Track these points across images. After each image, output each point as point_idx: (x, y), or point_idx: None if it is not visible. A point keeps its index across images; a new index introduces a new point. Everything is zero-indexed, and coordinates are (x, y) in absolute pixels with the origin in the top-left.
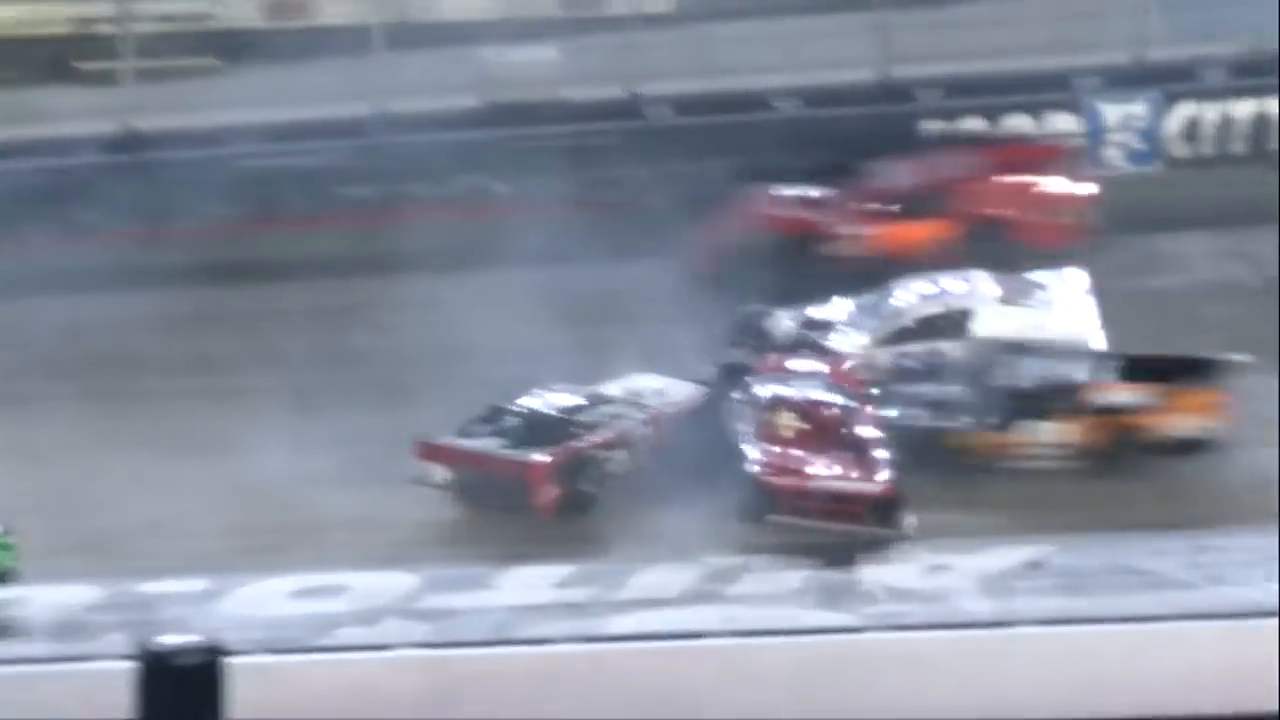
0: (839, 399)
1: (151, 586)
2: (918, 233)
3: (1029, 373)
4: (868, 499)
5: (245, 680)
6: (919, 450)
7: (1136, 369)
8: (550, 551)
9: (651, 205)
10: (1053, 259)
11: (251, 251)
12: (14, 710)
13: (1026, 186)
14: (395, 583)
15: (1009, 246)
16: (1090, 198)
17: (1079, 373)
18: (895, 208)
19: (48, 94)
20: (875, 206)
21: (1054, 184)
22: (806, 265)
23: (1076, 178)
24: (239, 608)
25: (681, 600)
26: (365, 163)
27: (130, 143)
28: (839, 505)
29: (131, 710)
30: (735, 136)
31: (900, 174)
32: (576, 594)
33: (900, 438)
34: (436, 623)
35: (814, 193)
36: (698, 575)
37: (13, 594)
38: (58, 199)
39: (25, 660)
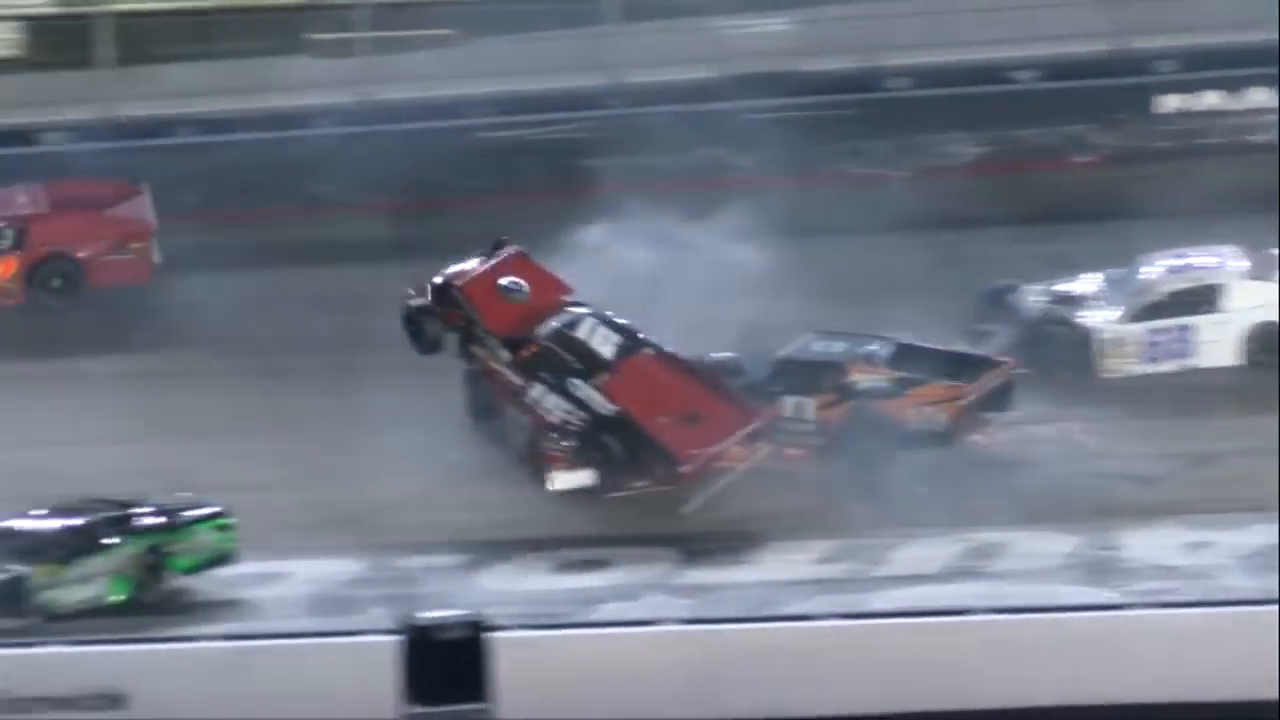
0: None
1: (413, 561)
2: None
3: None
4: None
5: (507, 655)
6: None
7: None
8: None
9: (890, 178)
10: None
11: (489, 224)
12: (279, 683)
13: (93, 222)
14: (656, 558)
15: (75, 282)
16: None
17: None
18: None
19: (283, 65)
20: None
21: (119, 219)
22: None
23: (140, 214)
24: (500, 582)
25: (943, 576)
26: (602, 135)
27: (367, 114)
28: None
29: (395, 684)
30: (974, 109)
31: None
32: (837, 569)
33: None
34: (698, 598)
35: None
36: (959, 551)
37: (233, 573)
38: (297, 171)
39: (290, 635)
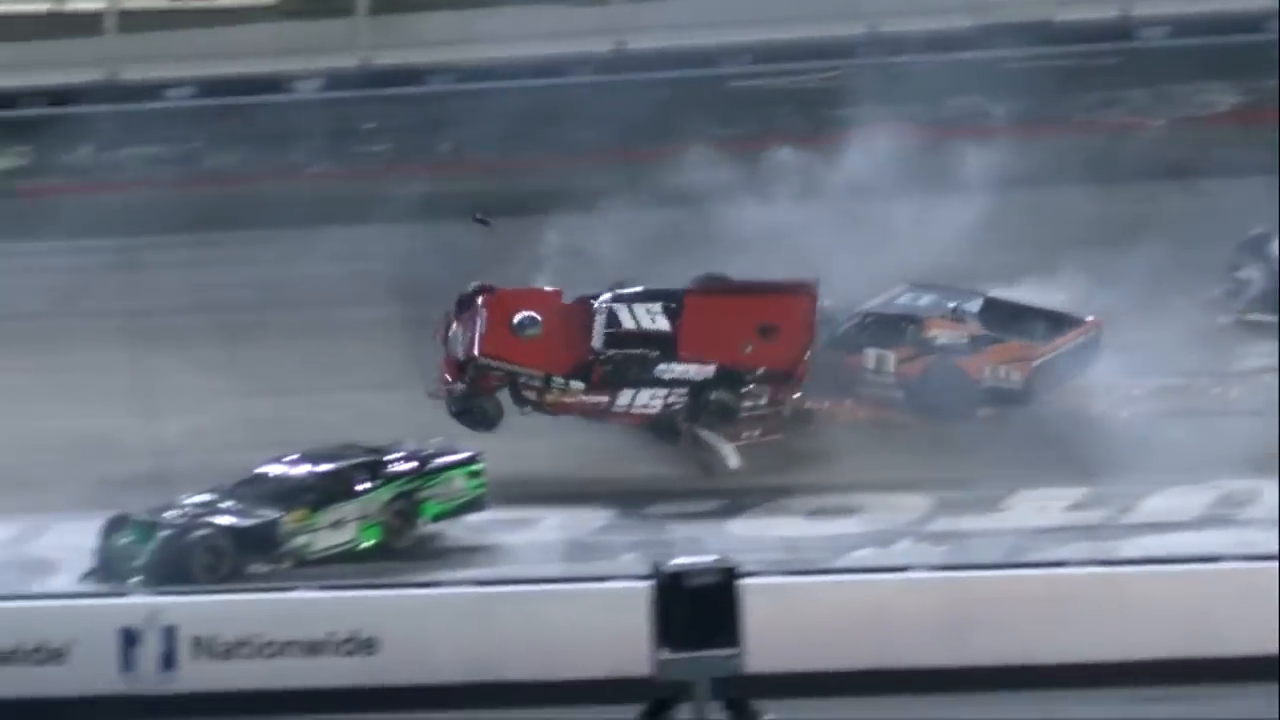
0: None
1: (663, 508)
2: None
3: None
4: None
5: (758, 601)
6: None
7: None
8: None
9: (1147, 125)
10: None
11: (738, 170)
12: (529, 629)
13: None
14: (909, 505)
15: None
16: None
17: None
18: None
19: (535, 13)
20: None
21: None
22: None
23: None
24: (751, 529)
25: (1195, 524)
26: (857, 84)
27: (621, 63)
28: None
29: (647, 629)
30: (1229, 59)
31: None
32: (1088, 516)
33: None
34: (950, 545)
35: None
36: (1210, 499)
37: (484, 519)
38: (552, 119)
39: (540, 580)
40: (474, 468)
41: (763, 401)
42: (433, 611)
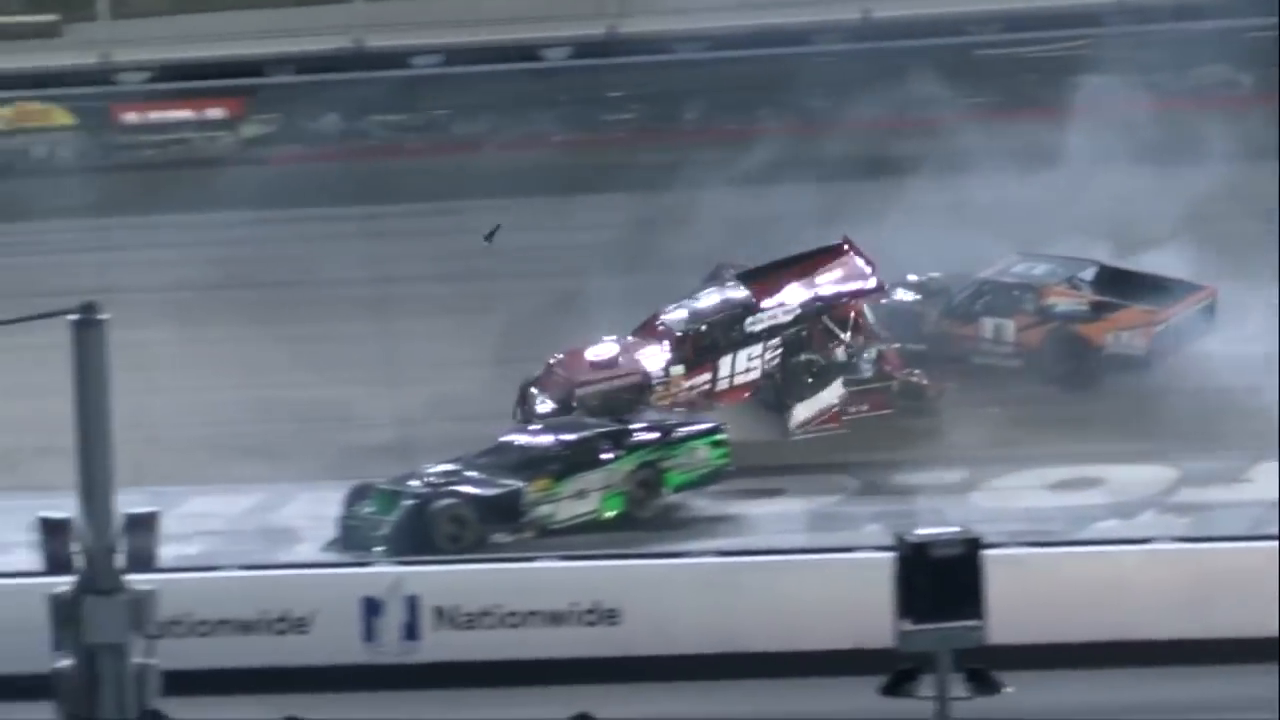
0: None
1: (907, 478)
2: None
3: None
4: None
5: (1001, 572)
6: None
7: None
8: None
9: None
10: None
11: (982, 141)
12: (774, 597)
13: None
14: (1152, 476)
15: None
16: None
17: None
18: None
19: None
20: None
21: None
22: None
23: None
24: (995, 500)
25: None
26: (1105, 53)
27: (868, 30)
28: None
29: (889, 601)
30: None
31: None
32: None
33: None
34: (1194, 516)
35: None
36: None
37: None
38: (793, 88)
39: (786, 551)
40: (717, 437)
41: (868, 374)
42: (675, 582)
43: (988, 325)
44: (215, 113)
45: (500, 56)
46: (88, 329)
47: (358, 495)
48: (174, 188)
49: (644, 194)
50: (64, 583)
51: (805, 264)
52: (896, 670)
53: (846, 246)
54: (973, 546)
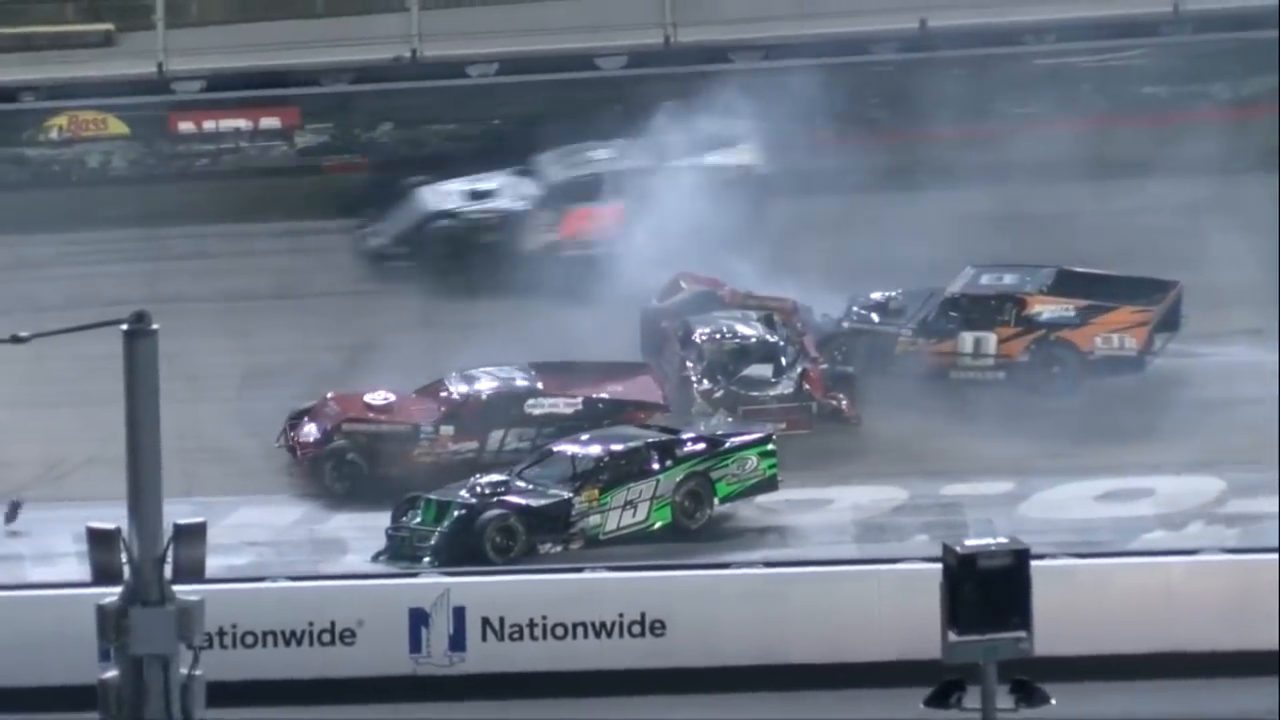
0: None
1: (955, 489)
2: None
3: None
4: None
5: (1049, 583)
6: None
7: None
8: None
9: None
10: None
11: (1039, 151)
12: (821, 609)
13: None
14: (1202, 487)
15: None
16: None
17: None
18: None
19: None
20: None
21: None
22: None
23: None
24: (1043, 511)
25: None
26: (1162, 63)
27: (925, 41)
28: None
29: (937, 612)
30: None
31: None
32: None
33: None
34: (1243, 527)
35: None
36: None
37: (780, 499)
38: (848, 97)
39: (833, 562)
40: (767, 447)
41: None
42: (721, 593)
43: (967, 340)
44: (270, 122)
45: (553, 66)
46: (139, 339)
47: (407, 506)
48: (228, 197)
49: None
50: (111, 593)
51: (602, 372)
52: (942, 681)
53: (648, 367)
54: (1021, 557)
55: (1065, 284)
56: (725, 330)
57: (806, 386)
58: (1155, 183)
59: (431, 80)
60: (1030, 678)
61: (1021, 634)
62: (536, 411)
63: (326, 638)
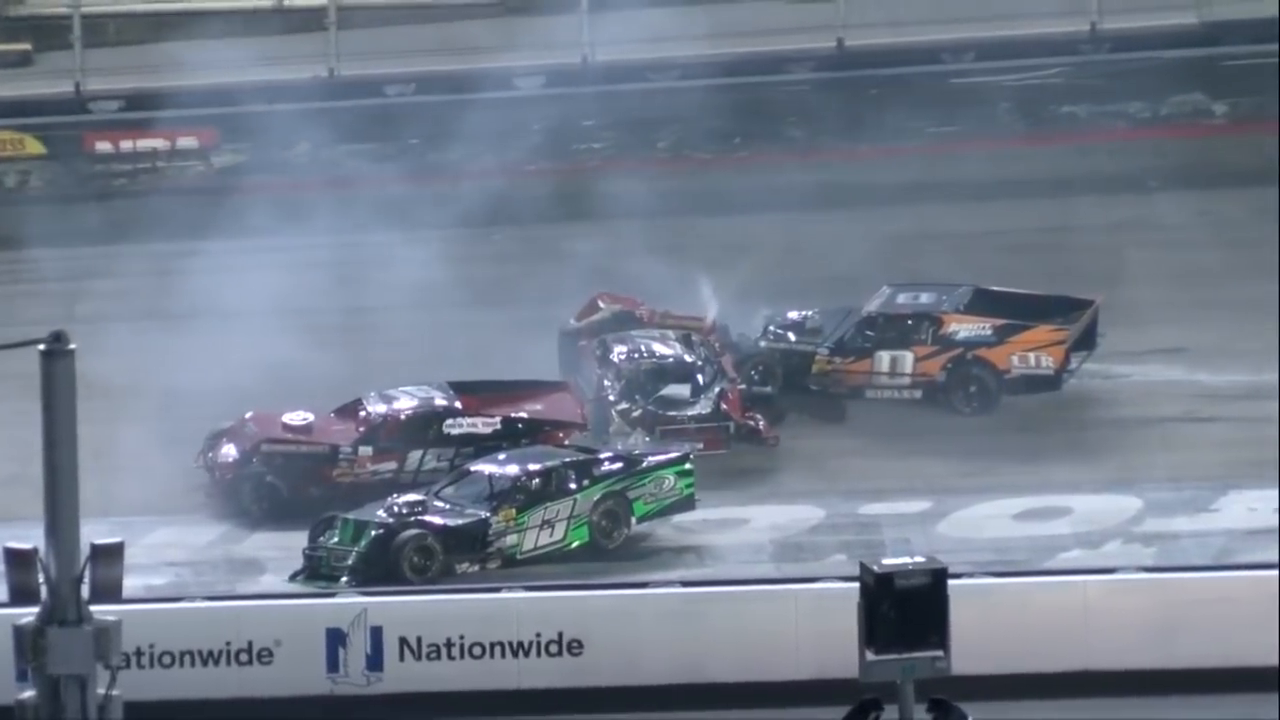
0: None
1: (872, 508)
2: None
3: None
4: None
5: (966, 602)
6: None
7: None
8: None
9: None
10: None
11: (963, 170)
12: (739, 628)
13: None
14: (1119, 505)
15: None
16: None
17: None
18: None
19: (759, 9)
20: None
21: None
22: None
23: None
24: (961, 529)
25: None
26: (1080, 81)
27: (843, 59)
28: None
29: (854, 631)
30: None
31: None
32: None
33: None
34: (1159, 546)
35: None
36: None
37: (697, 518)
38: (769, 116)
39: (751, 581)
40: (684, 467)
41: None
42: (639, 613)
43: (883, 359)
44: (188, 142)
45: (473, 86)
46: (56, 358)
47: (323, 526)
48: (145, 217)
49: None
50: (28, 613)
51: (520, 390)
52: (860, 700)
53: (566, 386)
54: (939, 576)
55: (982, 303)
56: (643, 350)
57: (724, 406)
58: (1073, 201)
59: (349, 100)
60: (948, 696)
61: (939, 653)
62: (455, 431)
63: (244, 657)
